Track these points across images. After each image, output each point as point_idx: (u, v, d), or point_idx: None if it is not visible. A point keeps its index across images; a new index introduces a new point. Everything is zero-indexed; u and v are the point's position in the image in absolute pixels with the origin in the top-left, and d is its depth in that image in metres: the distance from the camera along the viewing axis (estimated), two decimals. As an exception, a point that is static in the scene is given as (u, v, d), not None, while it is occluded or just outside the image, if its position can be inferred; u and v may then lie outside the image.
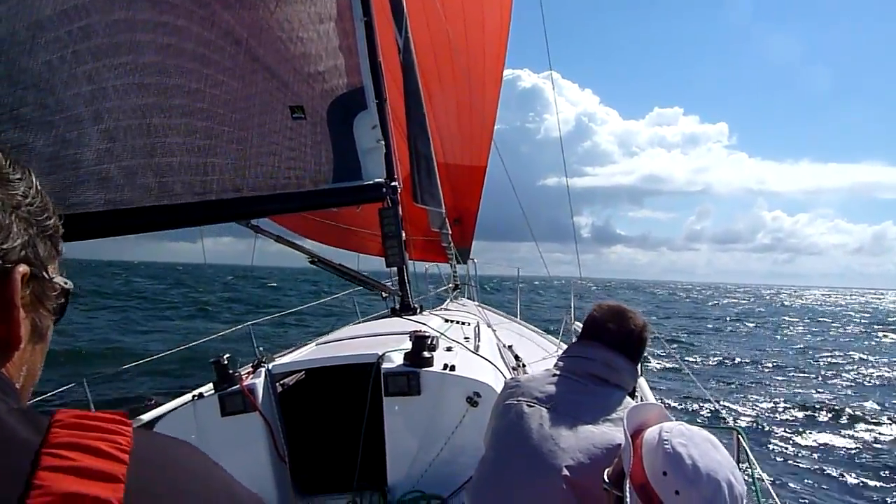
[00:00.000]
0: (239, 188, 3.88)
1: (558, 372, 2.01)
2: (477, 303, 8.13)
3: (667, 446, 1.42)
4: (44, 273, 0.76)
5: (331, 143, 4.41)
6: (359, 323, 5.59)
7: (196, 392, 3.17)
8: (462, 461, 2.80)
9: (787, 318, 47.35)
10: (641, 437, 1.50)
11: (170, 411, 3.29)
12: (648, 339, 2.11)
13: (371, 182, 4.55)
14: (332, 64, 4.47)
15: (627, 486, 1.44)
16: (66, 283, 0.81)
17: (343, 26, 4.51)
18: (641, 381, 4.60)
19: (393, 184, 4.77)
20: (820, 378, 16.91)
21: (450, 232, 7.47)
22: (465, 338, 3.89)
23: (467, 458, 2.73)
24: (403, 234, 4.90)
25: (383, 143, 4.67)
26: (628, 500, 1.42)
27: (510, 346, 4.64)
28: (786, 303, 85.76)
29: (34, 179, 0.77)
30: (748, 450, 2.54)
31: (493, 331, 5.01)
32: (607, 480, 1.53)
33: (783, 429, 11.18)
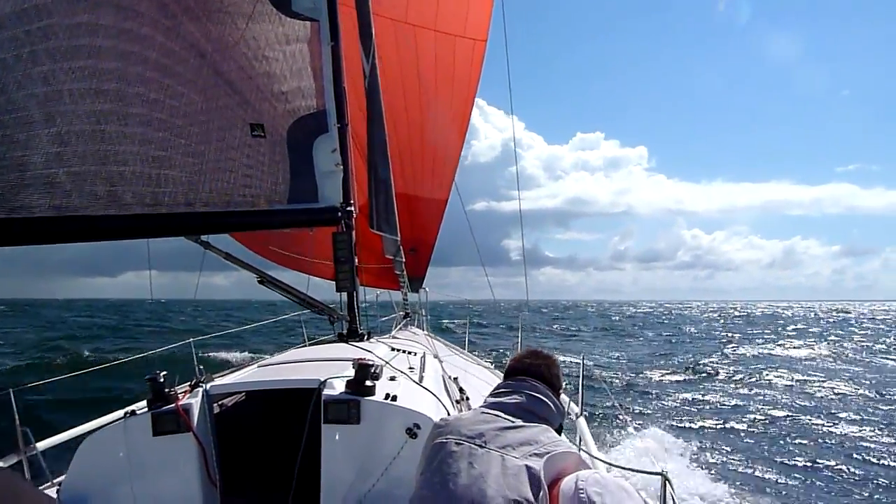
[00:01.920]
0: (192, 202, 3.82)
1: (487, 410, 2.03)
2: (426, 332, 8.11)
3: (582, 495, 1.47)
4: None
5: (289, 163, 4.38)
6: (304, 346, 5.52)
7: (129, 409, 3.07)
8: (398, 494, 2.77)
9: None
10: (559, 486, 1.53)
11: (99, 427, 3.18)
12: (559, 372, 2.27)
13: (327, 205, 4.54)
14: (296, 85, 4.47)
15: None
16: None
17: (310, 49, 4.52)
18: (584, 426, 4.64)
19: (349, 208, 4.76)
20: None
21: (403, 260, 7.46)
22: (410, 368, 3.87)
23: (403, 490, 2.70)
24: (356, 260, 4.88)
25: (342, 167, 4.67)
26: None
27: (455, 378, 4.63)
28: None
29: None
30: (674, 496, 2.58)
31: (440, 362, 5.00)
32: None
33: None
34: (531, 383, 2.10)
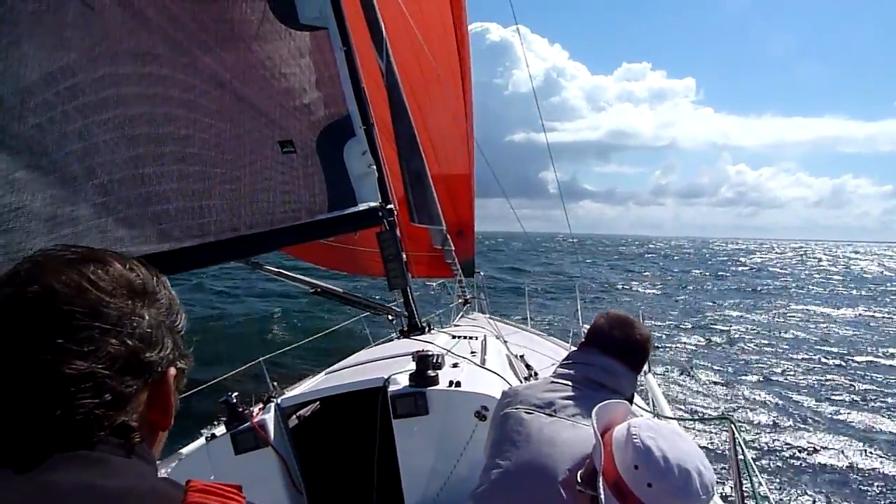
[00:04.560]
0: (236, 227, 3.94)
1: (556, 379, 2.03)
2: (487, 315, 8.14)
3: (636, 441, 1.46)
4: (182, 365, 0.98)
5: (323, 173, 4.47)
6: (368, 348, 5.64)
7: (208, 433, 3.21)
8: (477, 475, 2.83)
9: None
10: (611, 434, 1.54)
11: (183, 454, 3.33)
12: (651, 351, 2.13)
13: (366, 207, 4.61)
14: (316, 96, 4.54)
15: (601, 483, 1.47)
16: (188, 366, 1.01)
17: (324, 58, 4.58)
18: (652, 382, 4.61)
19: (388, 206, 4.82)
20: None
21: (452, 248, 7.50)
22: (472, 352, 3.92)
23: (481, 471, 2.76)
24: (404, 256, 4.94)
25: (374, 167, 4.73)
26: (603, 498, 1.45)
27: (521, 356, 4.66)
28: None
29: (165, 284, 0.98)
30: (741, 440, 2.56)
31: (505, 342, 5.04)
32: (580, 481, 1.56)
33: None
34: (606, 359, 2.02)
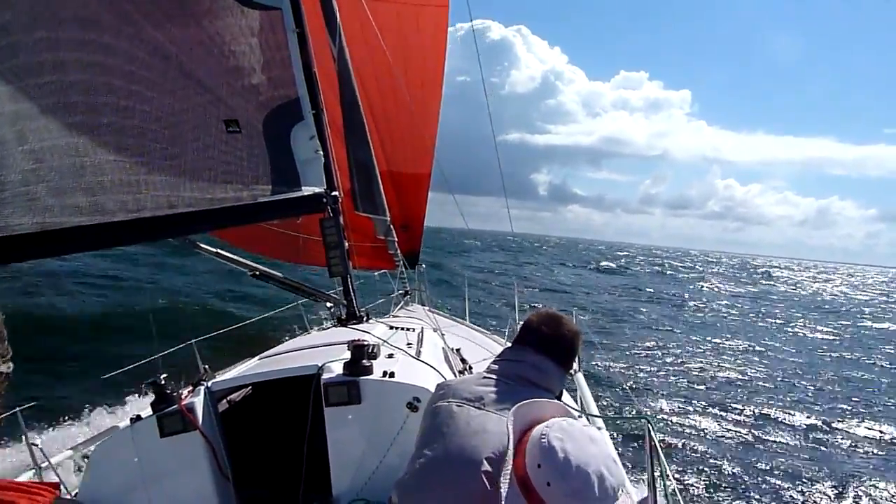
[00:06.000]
0: (174, 204, 3.84)
1: (488, 374, 2.06)
2: (427, 308, 8.16)
3: (544, 441, 1.51)
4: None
5: (268, 155, 4.40)
6: (304, 335, 5.59)
7: (133, 415, 3.13)
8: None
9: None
10: (530, 433, 1.59)
11: (107, 436, 3.24)
12: (580, 348, 2.16)
13: (310, 193, 4.56)
14: (266, 76, 4.48)
15: (505, 475, 1.52)
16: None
17: (276, 38, 4.51)
18: (582, 381, 4.71)
19: (333, 193, 4.79)
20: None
21: (395, 239, 7.49)
22: (409, 344, 3.93)
23: None
24: (346, 244, 4.92)
25: (322, 153, 4.69)
26: (503, 490, 1.50)
27: (458, 350, 4.69)
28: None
29: None
30: (656, 440, 2.65)
31: (442, 335, 5.07)
32: (489, 468, 1.60)
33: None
34: (536, 357, 2.04)
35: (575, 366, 5.28)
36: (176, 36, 4.01)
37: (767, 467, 9.21)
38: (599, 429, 2.75)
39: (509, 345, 2.25)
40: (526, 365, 2.03)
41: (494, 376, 2.03)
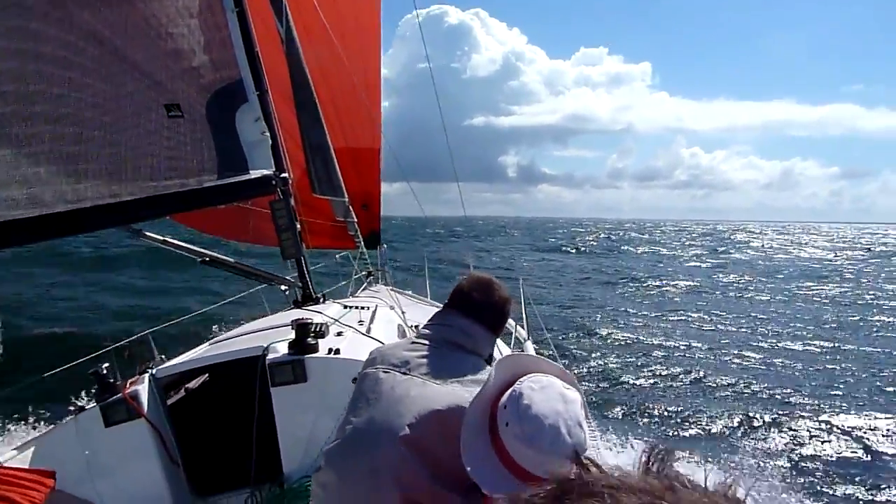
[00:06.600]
0: (116, 193, 3.77)
1: (417, 339, 2.08)
2: (390, 287, 8.15)
3: (518, 386, 1.54)
4: None
5: (212, 139, 4.33)
6: (256, 319, 5.57)
7: (77, 406, 3.10)
8: None
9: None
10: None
11: (51, 430, 3.20)
12: (510, 314, 2.18)
13: (259, 176, 4.50)
14: (206, 58, 4.38)
15: (479, 401, 1.59)
16: None
17: (215, 19, 4.41)
18: (531, 350, 4.77)
19: (283, 175, 4.73)
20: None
21: (355, 220, 7.45)
22: (360, 321, 3.94)
23: None
24: (298, 226, 4.88)
25: (268, 134, 4.62)
26: (471, 412, 1.57)
27: (416, 326, 4.71)
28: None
29: None
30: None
31: (403, 313, 5.08)
32: (408, 432, 1.69)
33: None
34: (465, 321, 2.05)
35: (524, 333, 5.33)
36: (109, 19, 3.90)
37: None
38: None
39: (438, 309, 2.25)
40: (455, 329, 2.05)
41: (424, 341, 2.06)
